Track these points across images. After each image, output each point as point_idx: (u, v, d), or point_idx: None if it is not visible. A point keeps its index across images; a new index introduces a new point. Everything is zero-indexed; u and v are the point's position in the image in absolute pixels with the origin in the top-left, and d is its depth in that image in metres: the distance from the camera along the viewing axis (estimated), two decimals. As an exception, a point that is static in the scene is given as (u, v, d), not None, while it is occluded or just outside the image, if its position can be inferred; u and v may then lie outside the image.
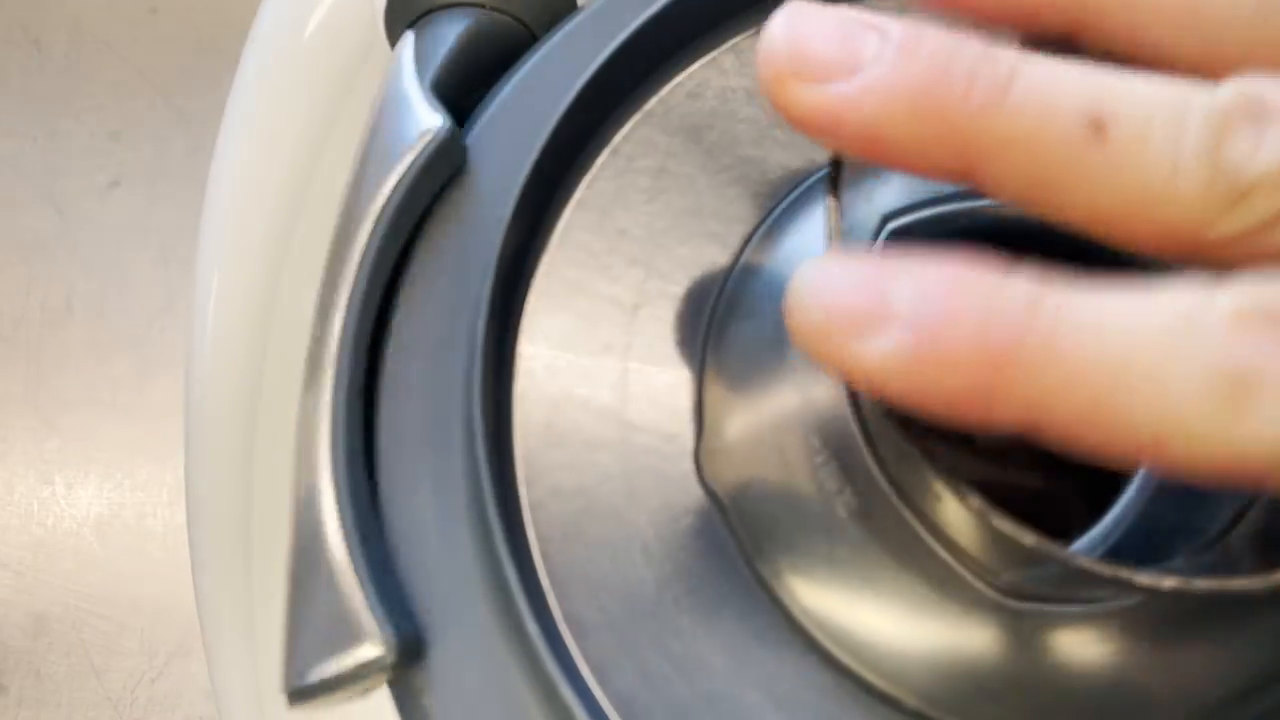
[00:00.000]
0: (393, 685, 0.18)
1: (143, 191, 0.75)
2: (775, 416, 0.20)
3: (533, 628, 0.17)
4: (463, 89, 0.27)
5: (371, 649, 0.17)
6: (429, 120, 0.21)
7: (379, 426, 0.20)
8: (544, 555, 0.19)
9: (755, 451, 0.20)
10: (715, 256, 0.21)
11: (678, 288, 0.21)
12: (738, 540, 0.19)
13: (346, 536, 0.18)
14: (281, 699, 0.21)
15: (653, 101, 0.23)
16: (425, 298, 0.21)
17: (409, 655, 0.18)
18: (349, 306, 0.19)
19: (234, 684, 0.35)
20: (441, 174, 0.22)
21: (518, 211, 0.20)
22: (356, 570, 0.17)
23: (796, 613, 0.19)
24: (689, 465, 0.20)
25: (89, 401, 0.71)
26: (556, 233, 0.22)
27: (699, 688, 0.18)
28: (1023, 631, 0.18)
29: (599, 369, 0.20)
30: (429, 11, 0.28)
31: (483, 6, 0.27)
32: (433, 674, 0.18)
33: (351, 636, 0.17)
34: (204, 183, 0.33)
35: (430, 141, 0.21)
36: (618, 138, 0.22)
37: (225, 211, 0.33)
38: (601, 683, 0.18)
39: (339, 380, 0.19)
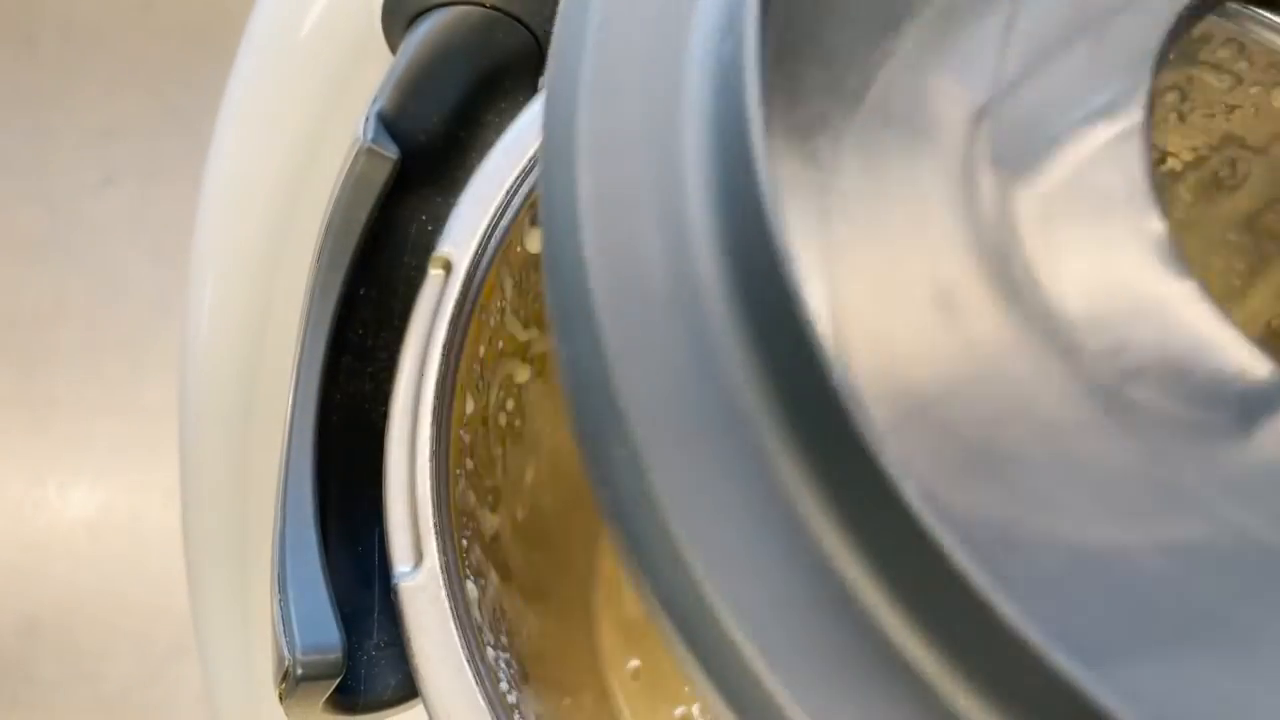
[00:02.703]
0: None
1: (136, 190, 0.75)
2: None
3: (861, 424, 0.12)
4: (462, 86, 0.27)
5: None
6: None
7: None
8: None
9: None
10: None
11: None
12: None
13: None
14: (276, 703, 0.21)
15: None
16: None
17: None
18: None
19: (229, 687, 0.34)
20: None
21: None
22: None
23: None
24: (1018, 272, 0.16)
25: (81, 402, 0.71)
26: None
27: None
28: None
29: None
30: (427, 10, 0.28)
31: (482, 5, 0.27)
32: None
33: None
34: (198, 180, 0.32)
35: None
36: None
37: (220, 209, 0.32)
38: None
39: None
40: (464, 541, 0.25)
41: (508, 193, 0.26)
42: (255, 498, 0.32)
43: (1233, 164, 0.28)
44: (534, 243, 0.27)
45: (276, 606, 0.21)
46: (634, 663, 0.33)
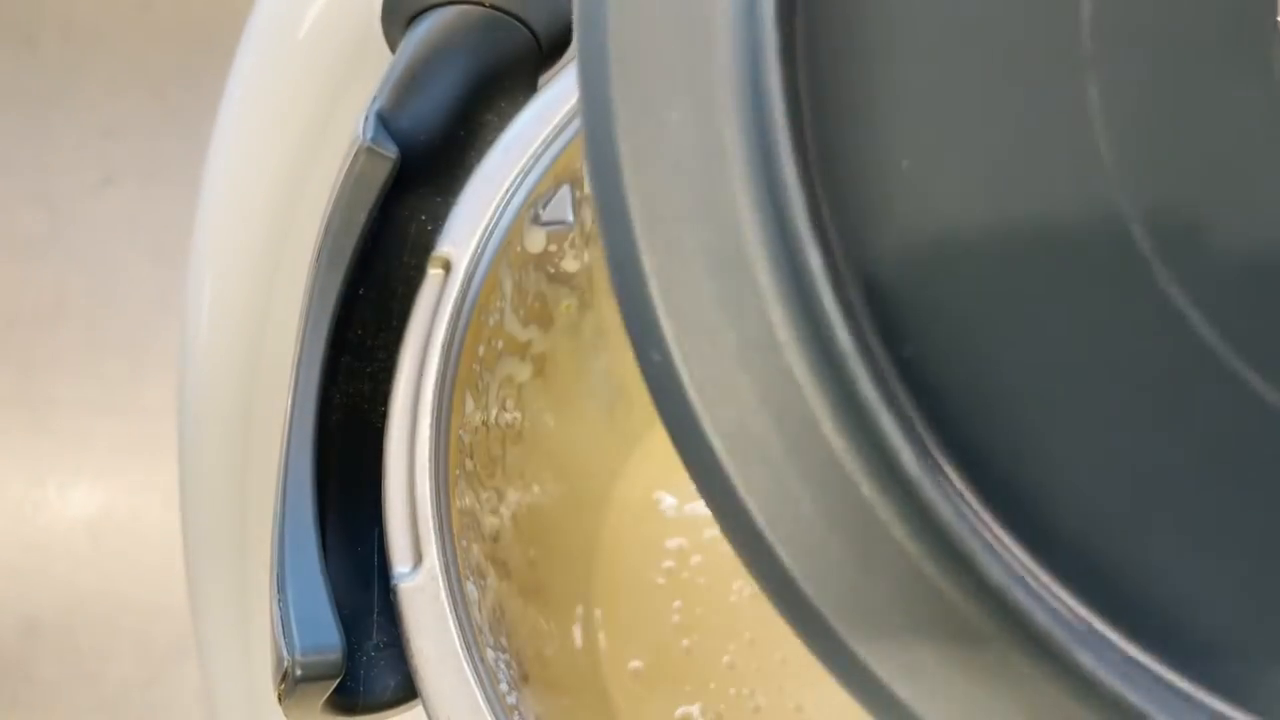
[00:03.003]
0: None
1: (135, 190, 0.75)
2: None
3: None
4: (461, 85, 0.27)
5: None
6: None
7: None
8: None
9: None
10: None
11: None
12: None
13: None
14: (276, 703, 0.21)
15: None
16: None
17: None
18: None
19: (229, 687, 0.34)
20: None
21: None
22: None
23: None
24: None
25: (81, 402, 0.71)
26: None
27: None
28: None
29: None
30: (426, 9, 0.28)
31: (482, 4, 0.27)
32: None
33: None
34: (198, 181, 0.33)
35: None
36: None
37: (220, 210, 0.32)
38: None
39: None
40: (464, 542, 0.24)
41: (507, 192, 0.26)
42: (255, 498, 0.32)
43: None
44: (533, 242, 0.27)
45: (276, 607, 0.21)
46: (634, 663, 0.33)
